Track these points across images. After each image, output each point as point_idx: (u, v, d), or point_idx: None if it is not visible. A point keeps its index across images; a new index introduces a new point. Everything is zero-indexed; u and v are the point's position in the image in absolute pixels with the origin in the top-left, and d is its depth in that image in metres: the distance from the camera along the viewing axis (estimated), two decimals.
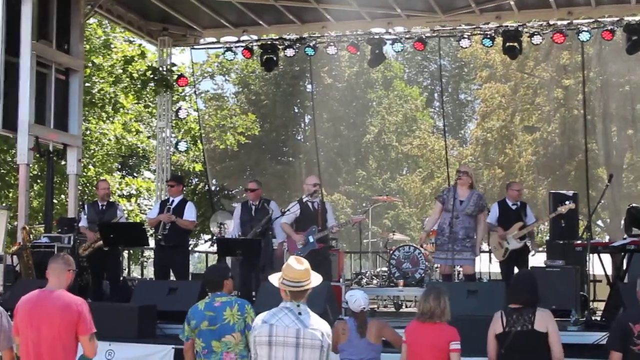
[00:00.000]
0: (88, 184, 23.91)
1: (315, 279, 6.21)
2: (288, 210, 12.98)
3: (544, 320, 7.55)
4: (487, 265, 14.98)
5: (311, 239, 12.72)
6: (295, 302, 6.07)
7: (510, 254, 12.97)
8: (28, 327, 6.92)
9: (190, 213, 13.28)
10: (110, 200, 14.35)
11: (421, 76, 54.72)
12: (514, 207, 13.29)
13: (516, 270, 12.41)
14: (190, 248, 17.92)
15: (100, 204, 13.77)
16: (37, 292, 7.09)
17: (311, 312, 6.13)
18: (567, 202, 13.07)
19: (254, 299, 11.33)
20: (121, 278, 14.42)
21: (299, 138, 46.23)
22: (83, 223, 13.58)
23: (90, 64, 22.60)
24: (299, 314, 6.02)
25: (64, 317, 6.89)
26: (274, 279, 6.20)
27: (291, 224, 12.95)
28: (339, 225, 13.37)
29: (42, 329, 6.87)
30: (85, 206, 14.09)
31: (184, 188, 14.21)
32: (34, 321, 6.89)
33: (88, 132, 23.73)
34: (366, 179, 46.26)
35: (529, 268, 12.71)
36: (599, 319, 11.65)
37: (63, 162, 16.73)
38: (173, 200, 13.38)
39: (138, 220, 24.01)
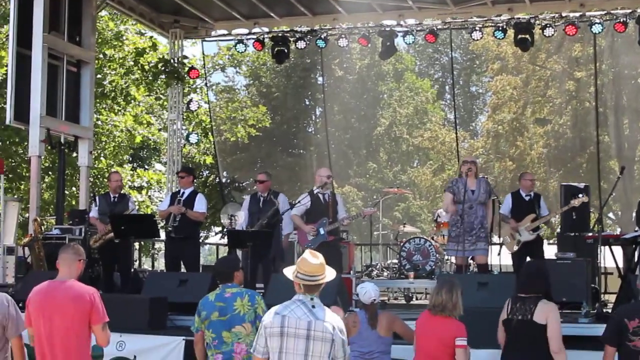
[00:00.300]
0: (99, 176, 23.96)
1: (330, 274, 6.21)
2: (298, 202, 12.96)
3: (544, 312, 7.55)
4: (497, 257, 14.93)
5: (322, 231, 12.72)
6: (309, 295, 6.08)
7: (522, 245, 12.94)
8: (40, 318, 6.93)
9: (200, 205, 13.27)
10: (122, 192, 14.36)
11: (432, 68, 54.68)
12: (527, 199, 13.28)
13: None
14: (200, 240, 17.95)
15: (112, 196, 13.81)
16: (48, 282, 7.10)
17: (325, 307, 6.14)
18: (580, 195, 13.01)
19: (257, 290, 11.34)
20: (132, 270, 14.43)
21: (309, 130, 46.24)
22: (94, 214, 13.63)
23: (101, 56, 22.62)
24: (312, 307, 6.03)
25: (77, 306, 6.91)
26: (289, 272, 6.20)
27: (301, 216, 12.95)
28: (349, 217, 13.35)
29: (55, 320, 6.88)
30: (97, 198, 14.11)
31: (195, 180, 14.20)
32: (47, 312, 6.91)
33: (100, 124, 23.74)
34: (377, 171, 46.26)
35: None
36: (610, 311, 11.62)
37: (74, 154, 16.78)
38: (183, 192, 13.39)
39: (149, 212, 24.06)
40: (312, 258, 6.15)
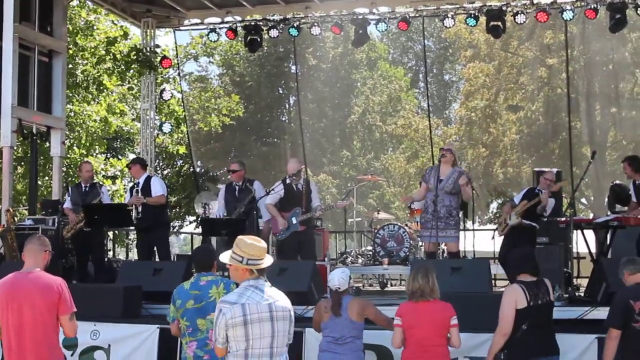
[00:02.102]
0: (72, 166, 23.86)
1: (269, 259, 6.24)
2: (272, 189, 12.97)
3: (551, 290, 7.75)
4: (472, 243, 15.00)
5: (294, 221, 12.76)
6: (262, 278, 6.13)
7: (511, 230, 12.81)
8: (8, 310, 6.89)
9: (156, 187, 13.26)
10: (94, 181, 14.32)
11: (406, 57, 54.71)
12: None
13: None
14: (175, 229, 17.94)
15: (83, 186, 13.78)
16: (14, 274, 7.07)
17: (273, 287, 6.21)
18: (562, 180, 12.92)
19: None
20: (106, 259, 14.40)
21: (283, 119, 46.19)
22: (67, 205, 13.63)
23: (73, 45, 22.50)
24: (267, 289, 6.12)
25: (45, 297, 6.89)
26: (225, 257, 6.22)
27: (275, 204, 12.97)
28: (322, 208, 13.31)
29: (24, 311, 6.86)
30: (70, 188, 14.09)
31: (145, 167, 14.11)
32: (15, 304, 6.88)
33: (72, 114, 23.63)
34: (350, 159, 46.29)
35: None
36: (582, 295, 11.73)
37: (47, 145, 16.69)
38: (139, 182, 13.41)
39: (122, 201, 24.01)
40: (258, 242, 6.19)
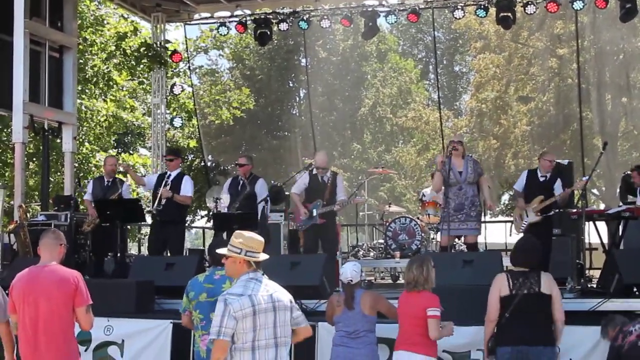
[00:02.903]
0: (84, 161, 23.90)
1: (265, 254, 6.32)
2: (280, 184, 13.01)
3: (548, 284, 7.77)
4: (484, 235, 15.00)
5: (314, 213, 12.77)
6: (260, 271, 6.20)
7: (529, 226, 12.73)
8: (25, 303, 6.94)
9: (187, 188, 13.23)
10: (117, 177, 14.29)
11: (415, 48, 54.59)
12: (542, 179, 12.87)
13: None
14: (187, 224, 17.93)
15: (106, 180, 13.78)
16: (30, 268, 7.12)
17: (270, 280, 6.28)
18: (583, 178, 12.84)
19: None
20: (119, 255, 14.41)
21: (294, 112, 46.17)
22: (88, 197, 13.67)
23: (82, 41, 22.52)
24: (266, 281, 6.18)
25: (61, 290, 6.93)
26: (223, 250, 6.30)
27: (300, 194, 13.03)
28: (341, 203, 13.22)
29: (40, 304, 6.89)
30: (92, 181, 14.12)
31: (182, 162, 14.15)
32: (31, 297, 6.92)
33: (84, 109, 23.66)
34: (361, 152, 46.24)
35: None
36: (594, 286, 11.71)
37: (58, 140, 16.73)
38: (170, 174, 13.34)
39: (134, 196, 24.04)
40: (256, 235, 6.27)
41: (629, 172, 15.63)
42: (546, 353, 7.72)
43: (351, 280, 8.50)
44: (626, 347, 7.40)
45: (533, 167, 13.28)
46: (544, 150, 18.36)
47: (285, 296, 6.22)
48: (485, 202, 12.28)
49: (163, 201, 13.04)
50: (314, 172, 13.02)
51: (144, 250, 25.12)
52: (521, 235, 12.68)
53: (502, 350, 7.81)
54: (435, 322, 7.72)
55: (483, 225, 14.35)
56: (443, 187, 12.18)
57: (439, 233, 14.17)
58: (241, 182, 13.19)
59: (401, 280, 16.21)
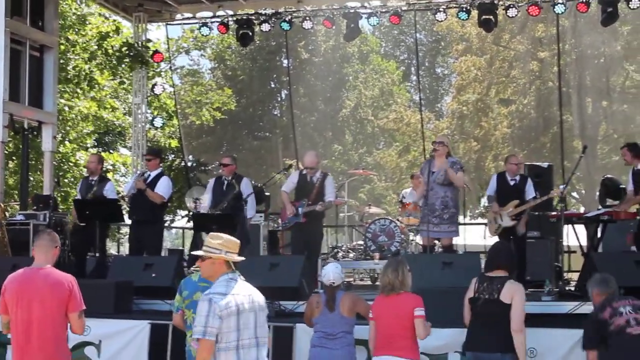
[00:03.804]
0: (63, 161, 23.81)
1: (241, 256, 6.34)
2: (262, 184, 13.01)
3: (510, 292, 7.65)
4: (463, 237, 15.01)
5: (300, 211, 12.76)
6: (237, 272, 6.21)
7: (504, 230, 12.70)
8: (18, 306, 6.90)
9: (162, 187, 13.02)
10: (103, 175, 14.12)
11: (398, 50, 54.69)
12: (512, 183, 12.81)
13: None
14: (167, 224, 17.88)
15: (90, 179, 13.58)
16: (25, 270, 7.08)
17: (246, 281, 6.29)
18: (560, 187, 12.85)
19: None
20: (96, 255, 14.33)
21: (275, 113, 46.19)
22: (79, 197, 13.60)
23: (64, 41, 22.46)
24: (243, 282, 6.19)
25: (55, 294, 6.90)
26: (199, 252, 6.28)
27: (289, 194, 13.11)
28: (324, 204, 13.18)
29: (33, 307, 6.86)
30: (80, 181, 14.05)
31: (162, 162, 14.05)
32: (24, 299, 6.88)
33: (66, 109, 23.58)
34: (342, 153, 46.30)
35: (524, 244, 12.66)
36: (573, 289, 11.76)
37: (38, 139, 16.66)
38: (150, 174, 13.25)
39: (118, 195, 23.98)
40: (232, 237, 6.30)
41: (608, 175, 15.71)
42: (498, 359, 7.69)
43: (333, 283, 8.51)
44: (612, 328, 7.31)
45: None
46: (509, 154, 18.31)
47: (261, 297, 6.24)
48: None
49: (134, 190, 12.98)
50: (304, 172, 13.03)
51: (123, 250, 25.09)
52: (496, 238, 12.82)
53: (468, 355, 7.88)
54: (422, 322, 7.72)
55: (463, 227, 14.37)
56: (421, 188, 12.32)
57: (418, 234, 14.20)
58: (225, 182, 13.14)
59: None
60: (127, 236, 17.66)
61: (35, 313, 6.86)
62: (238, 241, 6.29)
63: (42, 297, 6.86)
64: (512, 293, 7.66)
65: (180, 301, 7.72)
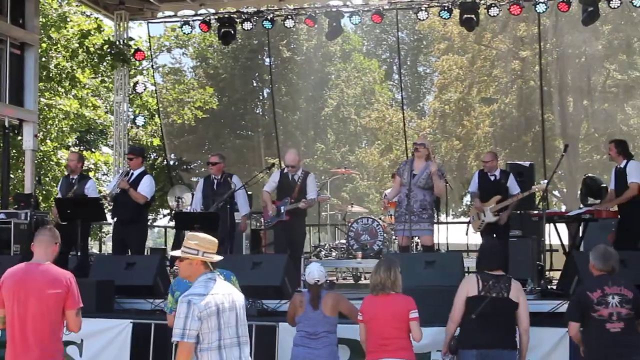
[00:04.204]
0: (45, 159, 23.71)
1: (219, 256, 6.33)
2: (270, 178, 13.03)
3: (517, 291, 7.79)
4: (445, 236, 15.04)
5: (282, 209, 12.73)
6: (216, 272, 6.22)
7: (487, 226, 12.77)
8: (14, 300, 6.87)
9: (144, 187, 12.91)
10: (84, 174, 14.04)
11: (380, 49, 54.66)
12: (492, 178, 12.95)
13: None
14: (149, 223, 17.82)
15: (71, 177, 13.46)
16: (24, 265, 7.07)
17: (225, 281, 6.33)
18: (541, 182, 12.91)
19: None
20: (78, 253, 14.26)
21: (257, 112, 46.09)
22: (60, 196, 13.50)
23: (46, 39, 22.35)
24: (221, 281, 6.21)
25: (53, 290, 6.89)
26: (177, 252, 6.28)
27: (271, 193, 13.08)
28: (307, 202, 13.15)
29: (30, 302, 6.85)
30: (61, 180, 13.97)
31: (144, 161, 13.96)
32: (22, 294, 6.86)
33: (47, 108, 23.47)
34: (325, 152, 46.25)
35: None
36: (554, 287, 11.79)
37: (19, 138, 16.59)
38: (132, 173, 13.16)
39: (99, 193, 23.89)
40: (210, 236, 6.32)
41: (590, 174, 15.77)
42: (505, 355, 7.72)
43: (318, 281, 8.51)
44: (595, 315, 7.42)
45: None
46: (486, 152, 18.31)
47: (240, 296, 6.25)
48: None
49: (118, 190, 12.92)
50: (285, 170, 13.00)
51: (105, 249, 25.01)
52: (478, 234, 12.87)
53: (467, 353, 7.81)
54: (418, 324, 7.73)
55: (445, 226, 14.40)
56: (396, 189, 12.51)
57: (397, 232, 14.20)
58: (215, 181, 13.08)
59: (364, 281, 16.27)
60: (110, 235, 17.59)
61: (32, 308, 6.84)
62: (216, 240, 6.30)
63: (39, 293, 6.85)
64: (518, 292, 7.84)
65: (173, 302, 7.70)
